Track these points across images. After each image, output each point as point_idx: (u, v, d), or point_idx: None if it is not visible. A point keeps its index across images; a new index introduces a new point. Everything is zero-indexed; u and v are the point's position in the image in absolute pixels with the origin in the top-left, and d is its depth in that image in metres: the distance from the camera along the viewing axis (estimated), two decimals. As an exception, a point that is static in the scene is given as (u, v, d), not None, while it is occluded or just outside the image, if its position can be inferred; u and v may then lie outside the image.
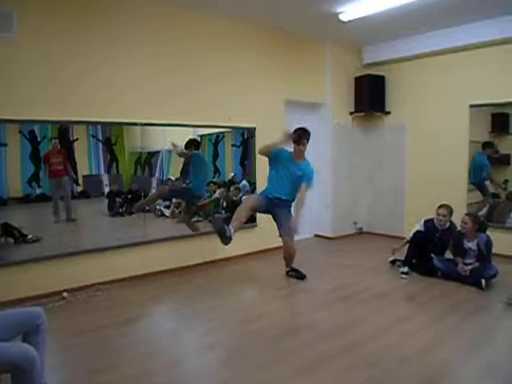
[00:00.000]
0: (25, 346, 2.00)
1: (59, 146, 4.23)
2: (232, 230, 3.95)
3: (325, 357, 2.77)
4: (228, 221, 4.17)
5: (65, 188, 4.38)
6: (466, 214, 4.34)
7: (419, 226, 4.68)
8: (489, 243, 4.17)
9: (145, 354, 2.84)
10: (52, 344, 2.50)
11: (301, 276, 4.45)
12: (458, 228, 4.38)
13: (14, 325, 2.09)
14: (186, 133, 5.07)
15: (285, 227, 4.23)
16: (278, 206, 4.29)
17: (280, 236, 4.32)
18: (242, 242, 5.40)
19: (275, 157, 4.29)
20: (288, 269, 4.54)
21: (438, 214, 4.49)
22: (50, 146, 4.13)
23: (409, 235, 4.78)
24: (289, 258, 4.45)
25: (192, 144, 5.05)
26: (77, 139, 4.30)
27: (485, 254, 4.16)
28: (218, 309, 3.67)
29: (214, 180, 5.60)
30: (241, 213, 4.13)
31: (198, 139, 5.33)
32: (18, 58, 3.74)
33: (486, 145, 5.50)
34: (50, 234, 4.21)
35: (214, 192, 5.52)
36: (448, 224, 4.51)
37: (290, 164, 4.26)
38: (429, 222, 4.60)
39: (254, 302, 3.86)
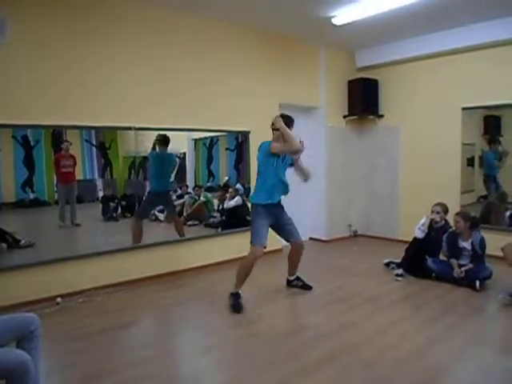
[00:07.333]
0: (19, 352, 1.98)
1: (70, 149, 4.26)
2: (240, 293, 3.74)
3: (322, 359, 2.77)
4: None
5: (71, 193, 4.41)
6: (457, 214, 4.40)
7: (423, 221, 4.58)
8: (483, 243, 4.20)
9: (140, 358, 2.82)
10: (46, 350, 2.48)
11: (307, 286, 4.20)
12: (453, 228, 4.41)
13: (8, 331, 2.06)
14: (180, 137, 5.07)
15: (296, 234, 3.94)
16: (279, 214, 3.87)
17: (289, 241, 4.03)
18: (236, 247, 5.40)
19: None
20: (292, 277, 4.26)
21: (433, 212, 4.54)
22: (43, 149, 4.12)
23: (416, 232, 4.60)
24: (297, 261, 4.11)
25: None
26: (70, 144, 4.29)
27: (479, 254, 4.18)
28: (215, 312, 3.66)
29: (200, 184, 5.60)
30: (246, 274, 3.72)
31: (193, 141, 5.32)
32: (12, 63, 3.73)
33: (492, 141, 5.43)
34: (43, 239, 4.19)
35: (199, 197, 5.51)
36: (443, 222, 4.54)
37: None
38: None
39: (249, 305, 3.84)
